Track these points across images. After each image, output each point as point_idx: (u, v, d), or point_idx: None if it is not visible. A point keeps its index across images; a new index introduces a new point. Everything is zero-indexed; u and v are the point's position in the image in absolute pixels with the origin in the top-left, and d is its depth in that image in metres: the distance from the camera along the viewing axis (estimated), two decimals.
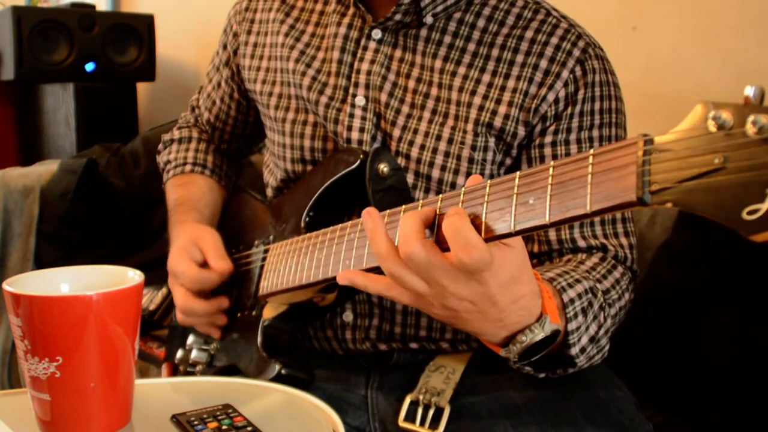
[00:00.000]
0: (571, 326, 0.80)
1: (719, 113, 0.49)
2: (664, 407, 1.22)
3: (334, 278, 0.81)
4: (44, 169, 2.11)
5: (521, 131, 0.95)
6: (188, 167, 1.22)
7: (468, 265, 0.64)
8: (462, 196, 0.67)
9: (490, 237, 0.64)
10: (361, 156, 0.93)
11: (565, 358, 0.82)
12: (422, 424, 0.90)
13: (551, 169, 0.60)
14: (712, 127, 0.49)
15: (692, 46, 1.57)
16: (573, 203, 0.58)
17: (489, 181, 0.65)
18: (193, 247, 1.04)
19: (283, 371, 0.93)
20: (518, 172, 0.63)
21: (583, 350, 0.83)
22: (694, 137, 0.50)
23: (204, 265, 1.03)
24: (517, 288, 0.69)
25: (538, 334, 0.72)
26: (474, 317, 0.71)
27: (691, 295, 1.26)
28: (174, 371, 1.15)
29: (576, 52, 0.95)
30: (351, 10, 1.02)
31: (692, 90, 1.58)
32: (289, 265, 0.92)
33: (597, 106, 0.96)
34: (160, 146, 1.30)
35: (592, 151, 0.57)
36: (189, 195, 1.18)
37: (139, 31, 2.61)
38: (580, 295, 0.82)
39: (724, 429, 1.19)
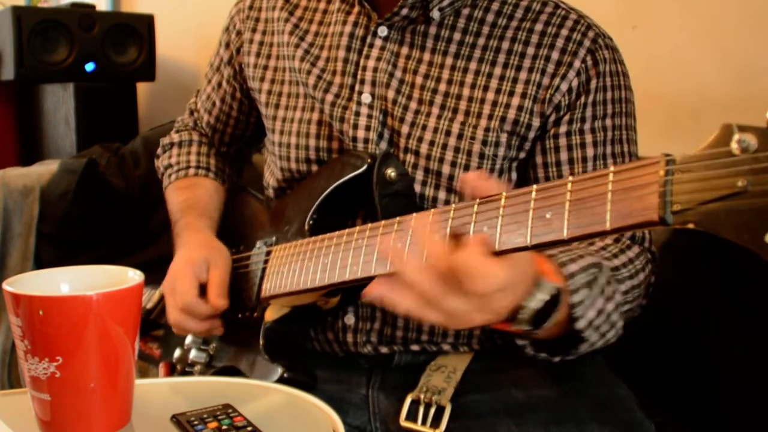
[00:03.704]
0: (574, 299, 0.77)
1: (744, 136, 0.49)
2: (663, 407, 1.22)
3: (341, 283, 0.81)
4: (44, 169, 2.11)
5: (535, 122, 0.95)
6: (191, 170, 1.20)
7: (487, 293, 0.65)
8: (476, 207, 0.67)
9: (504, 250, 0.64)
10: (369, 160, 0.92)
11: (574, 335, 0.80)
12: (424, 423, 0.90)
13: (569, 185, 0.60)
14: (735, 149, 0.50)
15: (693, 46, 1.57)
16: (592, 220, 0.58)
17: (504, 194, 0.65)
18: (203, 265, 1.01)
19: (286, 375, 0.92)
20: (534, 186, 0.63)
21: (590, 323, 0.80)
22: (718, 159, 0.51)
23: (203, 287, 1.01)
24: (523, 274, 0.69)
25: (538, 296, 0.71)
26: (489, 318, 0.70)
27: (692, 295, 1.26)
28: (171, 370, 1.13)
29: (586, 42, 0.95)
30: (356, 9, 1.02)
31: (692, 90, 1.58)
32: (293, 268, 0.91)
33: (609, 95, 0.96)
34: (159, 150, 1.27)
35: (612, 168, 0.57)
36: (198, 198, 1.16)
37: (139, 31, 2.60)
38: (583, 268, 0.80)
39: (725, 429, 1.19)
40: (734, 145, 0.50)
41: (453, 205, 0.69)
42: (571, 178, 0.60)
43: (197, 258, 1.02)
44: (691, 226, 0.52)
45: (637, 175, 0.55)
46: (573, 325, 0.79)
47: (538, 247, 0.62)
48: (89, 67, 2.52)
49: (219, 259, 1.03)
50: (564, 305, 0.76)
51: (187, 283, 0.99)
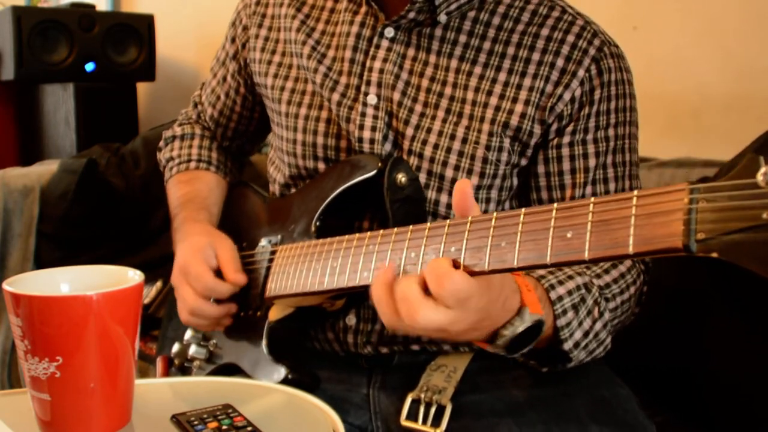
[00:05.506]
0: (561, 322, 0.82)
1: None
2: (663, 407, 1.22)
3: (350, 288, 0.81)
4: (44, 169, 2.11)
5: (537, 129, 0.95)
6: (193, 164, 1.20)
7: (449, 298, 0.67)
8: (493, 221, 0.67)
9: (523, 267, 0.64)
10: (379, 164, 0.92)
11: (561, 353, 0.85)
12: (424, 422, 0.90)
13: (591, 205, 0.60)
14: (761, 182, 0.49)
15: (693, 46, 1.57)
16: (614, 243, 0.58)
17: (523, 210, 0.65)
18: (210, 250, 1.01)
19: (290, 376, 0.92)
20: (555, 205, 0.63)
21: (577, 345, 0.85)
22: (743, 190, 0.51)
23: (217, 272, 1.01)
24: (502, 292, 0.72)
25: (519, 326, 0.74)
26: (472, 335, 0.74)
27: (692, 295, 1.26)
28: (169, 364, 1.12)
29: (592, 51, 0.95)
30: (363, 9, 1.02)
31: (692, 90, 1.58)
32: (300, 269, 0.91)
33: (612, 105, 0.96)
34: (161, 143, 1.27)
35: (636, 192, 0.58)
36: (197, 192, 1.15)
37: (139, 31, 2.61)
38: (570, 292, 0.84)
39: (725, 429, 1.19)
40: (760, 178, 0.49)
41: (470, 218, 0.70)
42: (593, 198, 0.60)
43: (203, 243, 1.02)
44: (715, 255, 0.51)
45: (661, 200, 0.55)
46: (560, 346, 0.83)
47: (557, 266, 0.63)
48: (89, 67, 2.53)
49: (223, 242, 1.03)
50: (547, 331, 0.81)
51: (200, 266, 0.99)
